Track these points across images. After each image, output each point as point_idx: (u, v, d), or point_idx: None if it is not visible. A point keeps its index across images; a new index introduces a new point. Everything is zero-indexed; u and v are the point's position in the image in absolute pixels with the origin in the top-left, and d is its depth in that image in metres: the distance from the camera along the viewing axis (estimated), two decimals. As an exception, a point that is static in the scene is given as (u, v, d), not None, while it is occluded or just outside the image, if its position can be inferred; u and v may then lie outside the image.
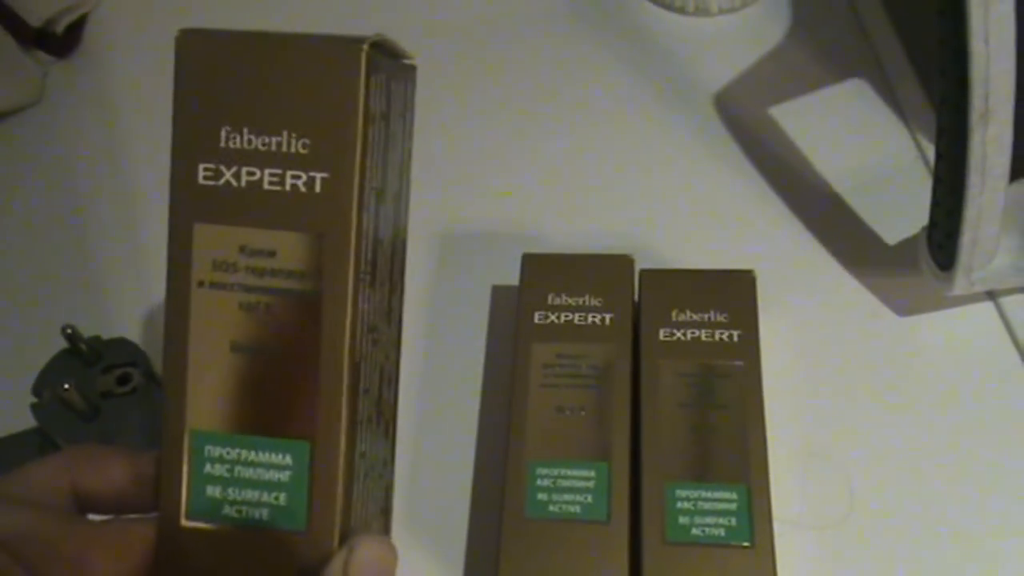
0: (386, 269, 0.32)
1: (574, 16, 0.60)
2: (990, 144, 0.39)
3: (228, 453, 0.30)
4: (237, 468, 0.30)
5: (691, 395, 0.41)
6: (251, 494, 0.30)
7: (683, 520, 0.38)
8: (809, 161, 0.53)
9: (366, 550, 0.29)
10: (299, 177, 0.29)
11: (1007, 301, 0.47)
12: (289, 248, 0.30)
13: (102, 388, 0.44)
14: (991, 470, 0.43)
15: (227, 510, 0.30)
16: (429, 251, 0.52)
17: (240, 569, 0.30)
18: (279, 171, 0.29)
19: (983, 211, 0.41)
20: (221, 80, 0.30)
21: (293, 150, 0.29)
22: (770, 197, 0.52)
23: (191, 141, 0.30)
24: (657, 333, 0.43)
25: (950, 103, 0.39)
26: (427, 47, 0.60)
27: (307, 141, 0.29)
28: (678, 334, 0.42)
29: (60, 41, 0.59)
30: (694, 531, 0.38)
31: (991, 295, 0.47)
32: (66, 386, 0.42)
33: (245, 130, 0.29)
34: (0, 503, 0.30)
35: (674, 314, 0.43)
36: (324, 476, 0.30)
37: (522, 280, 0.45)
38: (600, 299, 0.43)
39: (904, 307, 0.48)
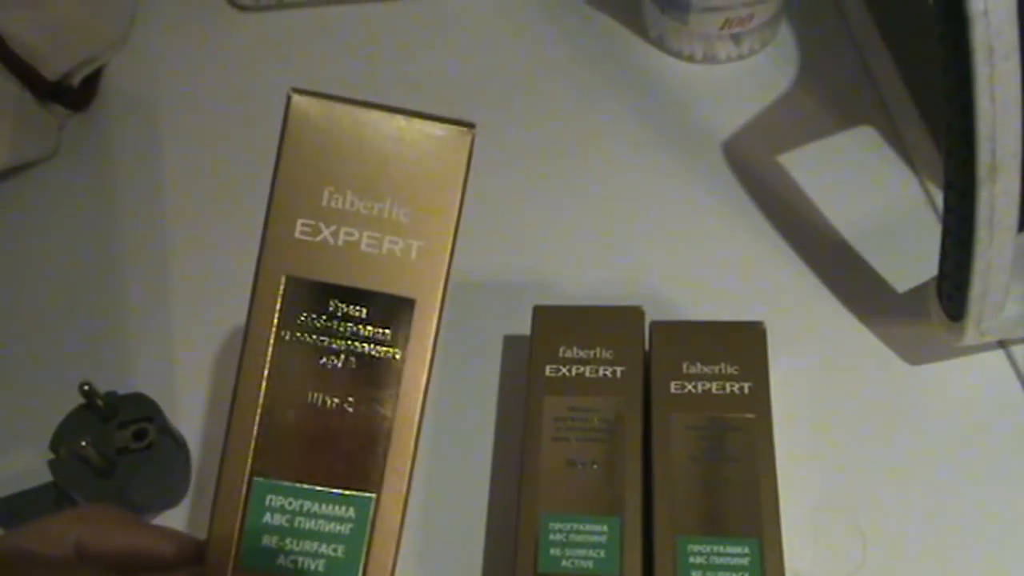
0: None
1: (583, 66, 0.61)
2: (998, 198, 0.39)
3: (291, 503, 0.31)
4: (298, 519, 0.31)
5: (702, 448, 0.41)
6: (309, 545, 0.31)
7: (696, 575, 0.38)
8: (818, 209, 0.53)
9: None
10: (396, 243, 0.31)
11: (1018, 350, 0.47)
12: (378, 308, 0.31)
13: (118, 444, 0.44)
14: (1005, 521, 0.43)
15: (282, 560, 0.31)
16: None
17: None
18: (378, 235, 0.31)
19: (992, 263, 0.41)
20: (329, 143, 0.31)
21: (394, 217, 0.31)
22: (779, 245, 0.52)
23: (292, 196, 0.31)
24: (668, 386, 0.43)
25: (957, 157, 0.40)
26: (437, 97, 0.61)
27: (409, 211, 0.31)
28: (689, 387, 0.43)
29: (76, 94, 0.60)
30: (707, 587, 0.38)
31: (1002, 344, 0.47)
32: (83, 443, 0.42)
33: (348, 193, 0.31)
34: (13, 554, 0.31)
35: (685, 367, 0.43)
36: (384, 529, 0.31)
37: (533, 333, 0.45)
38: (611, 351, 0.44)
39: (915, 356, 0.48)
